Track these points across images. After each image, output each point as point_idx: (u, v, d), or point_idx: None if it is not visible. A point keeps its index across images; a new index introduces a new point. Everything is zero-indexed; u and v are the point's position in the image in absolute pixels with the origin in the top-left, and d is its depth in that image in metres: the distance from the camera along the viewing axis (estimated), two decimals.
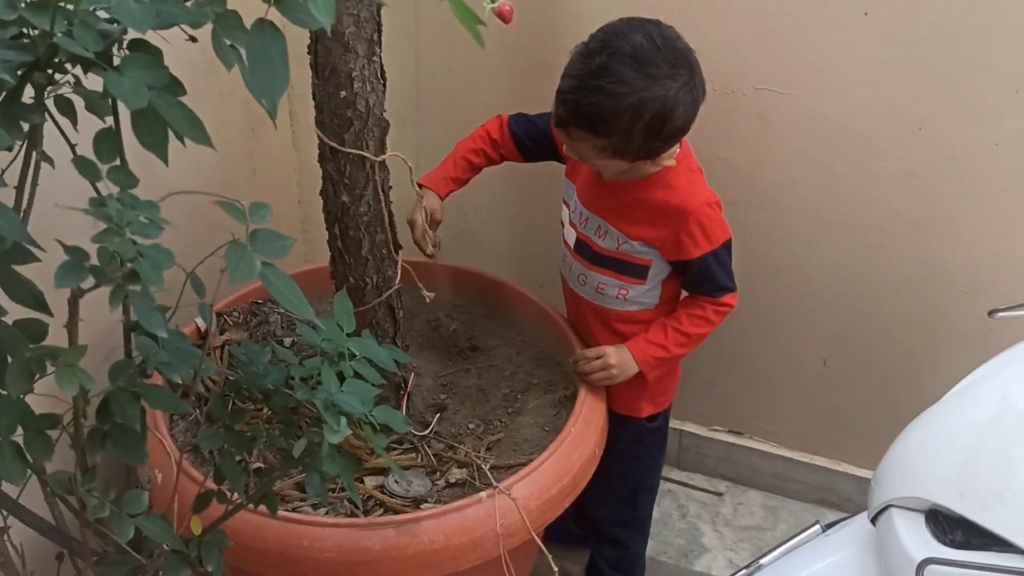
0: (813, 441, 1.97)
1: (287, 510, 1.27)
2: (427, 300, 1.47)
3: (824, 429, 1.94)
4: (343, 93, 1.29)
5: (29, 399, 0.82)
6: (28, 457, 0.80)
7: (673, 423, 1.87)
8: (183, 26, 0.75)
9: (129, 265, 0.71)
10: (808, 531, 1.24)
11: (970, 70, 1.50)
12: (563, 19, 1.67)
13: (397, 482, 1.36)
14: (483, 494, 1.27)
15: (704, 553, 1.92)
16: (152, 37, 0.76)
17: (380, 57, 1.31)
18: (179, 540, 0.95)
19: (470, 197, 1.89)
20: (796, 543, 1.23)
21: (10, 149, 0.74)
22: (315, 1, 0.72)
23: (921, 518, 1.04)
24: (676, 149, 1.40)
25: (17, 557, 1.02)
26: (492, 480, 1.31)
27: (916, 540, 1.01)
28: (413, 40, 1.82)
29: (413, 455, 1.44)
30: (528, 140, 1.57)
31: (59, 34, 0.69)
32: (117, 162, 0.79)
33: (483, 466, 1.37)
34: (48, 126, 0.79)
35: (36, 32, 0.71)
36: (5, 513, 0.96)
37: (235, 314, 1.63)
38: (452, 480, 1.39)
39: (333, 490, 1.33)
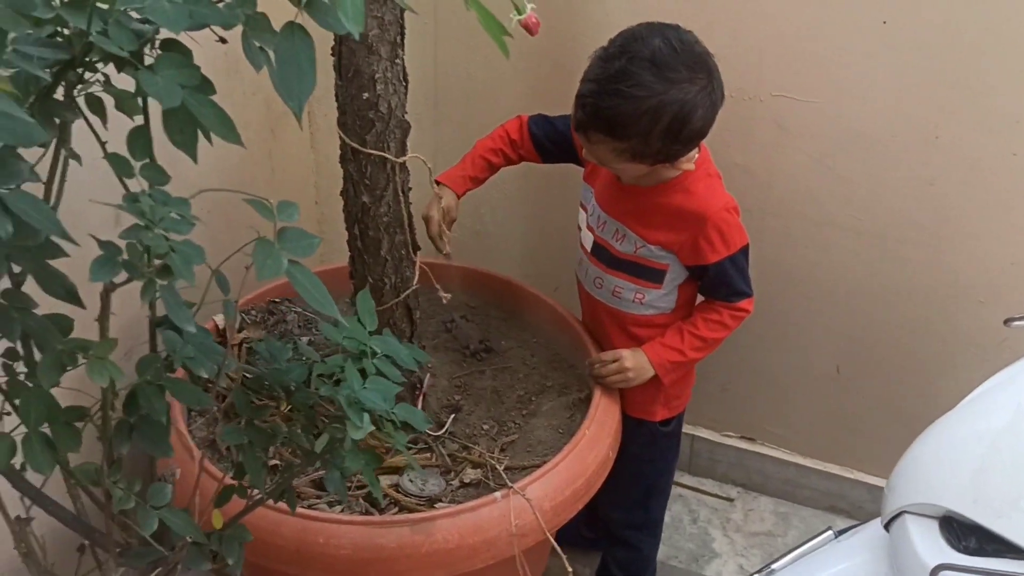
0: (825, 448, 1.97)
1: (303, 507, 1.28)
2: (444, 301, 1.48)
3: (836, 436, 1.94)
4: (366, 95, 1.30)
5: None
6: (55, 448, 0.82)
7: (685, 428, 1.87)
8: (213, 27, 0.76)
9: (160, 260, 0.72)
10: (820, 536, 1.25)
11: (988, 79, 1.50)
12: (583, 25, 1.68)
13: (412, 481, 1.37)
14: (498, 494, 1.28)
15: (715, 558, 1.92)
16: (180, 37, 0.77)
17: (403, 60, 1.33)
18: (202, 533, 0.96)
19: (486, 199, 1.90)
20: (809, 548, 1.24)
21: (44, 146, 0.76)
22: (344, 7, 0.73)
23: (935, 524, 1.04)
24: (695, 153, 1.40)
25: (39, 549, 1.04)
26: (507, 481, 1.32)
27: (930, 546, 1.02)
28: (432, 42, 1.83)
29: (428, 455, 1.44)
30: (547, 141, 1.58)
31: (95, 33, 0.70)
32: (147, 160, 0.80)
33: (498, 467, 1.38)
34: (74, 124, 0.80)
35: (71, 31, 0.73)
36: (28, 504, 0.97)
37: (253, 313, 1.65)
38: (466, 480, 1.39)
39: (349, 488, 1.34)
